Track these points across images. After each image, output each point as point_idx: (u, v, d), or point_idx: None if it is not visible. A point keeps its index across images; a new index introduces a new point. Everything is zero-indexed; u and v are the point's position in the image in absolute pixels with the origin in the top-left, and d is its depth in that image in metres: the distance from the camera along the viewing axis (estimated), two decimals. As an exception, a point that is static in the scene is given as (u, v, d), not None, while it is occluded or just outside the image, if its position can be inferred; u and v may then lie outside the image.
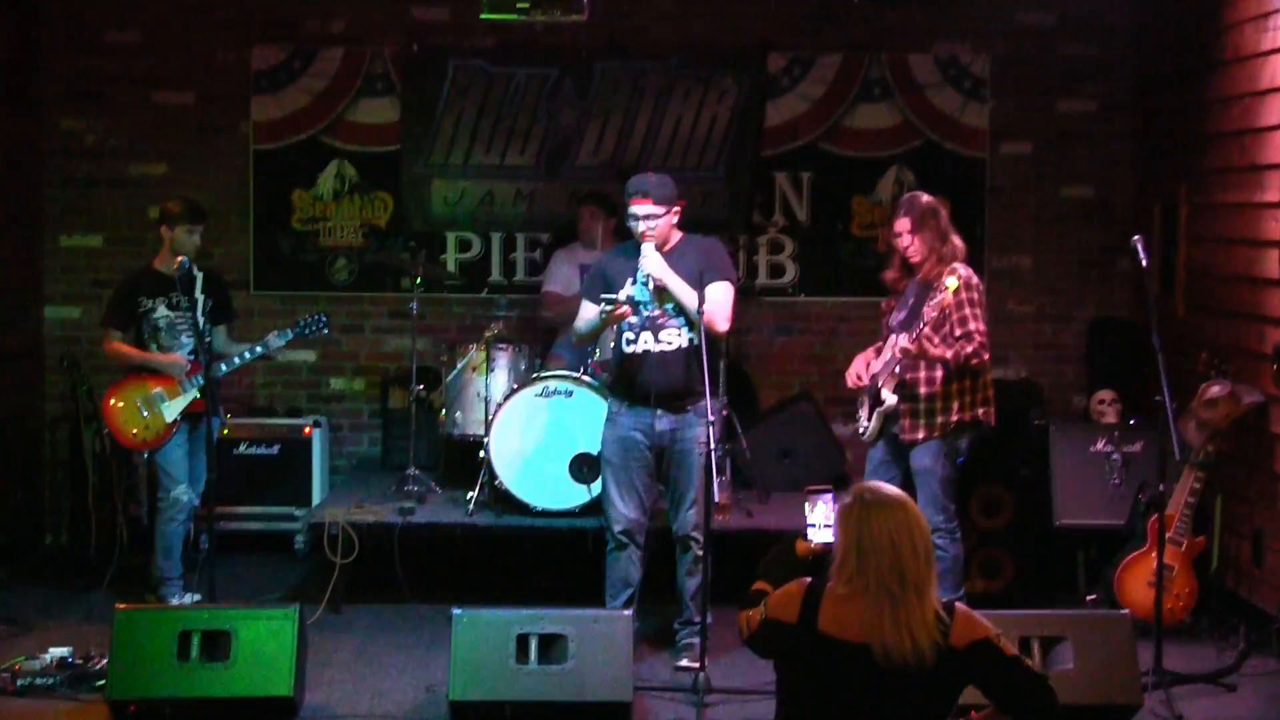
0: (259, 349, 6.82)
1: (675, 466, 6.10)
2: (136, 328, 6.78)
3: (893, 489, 3.80)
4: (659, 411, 6.04)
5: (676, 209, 6.07)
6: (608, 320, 6.03)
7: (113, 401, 6.76)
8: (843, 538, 3.71)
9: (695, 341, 6.02)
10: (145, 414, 6.70)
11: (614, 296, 5.97)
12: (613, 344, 6.29)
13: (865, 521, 3.66)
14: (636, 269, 6.04)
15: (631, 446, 6.09)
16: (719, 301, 6.01)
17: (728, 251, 6.53)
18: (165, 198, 8.35)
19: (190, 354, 6.71)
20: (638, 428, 6.08)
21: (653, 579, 6.32)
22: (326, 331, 6.97)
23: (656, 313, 6.04)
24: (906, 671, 3.59)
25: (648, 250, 5.97)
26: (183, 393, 6.70)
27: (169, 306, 6.72)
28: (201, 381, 6.59)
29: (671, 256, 6.03)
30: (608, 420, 6.22)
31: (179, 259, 6.53)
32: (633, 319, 6.06)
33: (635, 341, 6.07)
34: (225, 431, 7.56)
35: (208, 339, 6.72)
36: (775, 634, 3.76)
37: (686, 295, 5.95)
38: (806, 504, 4.22)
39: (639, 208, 6.00)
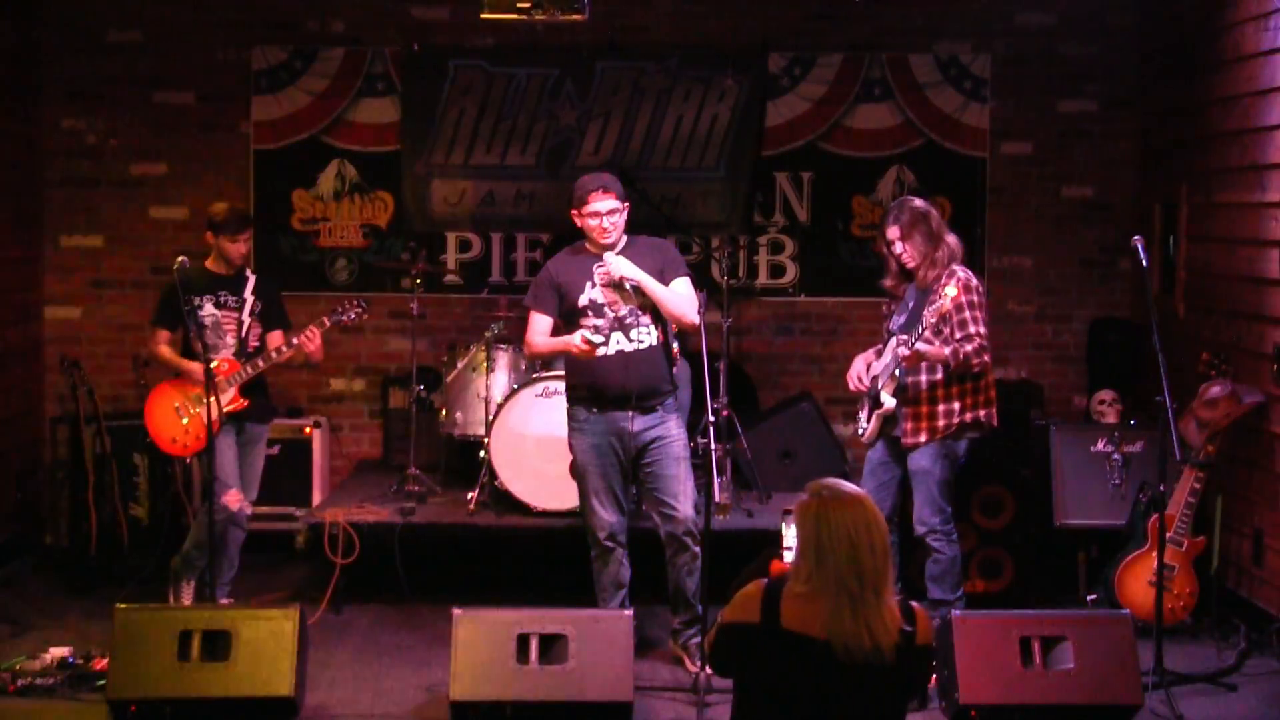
0: (294, 341, 6.57)
1: (657, 466, 6.07)
2: (183, 327, 6.63)
3: (850, 486, 3.79)
4: (631, 413, 6.02)
5: (628, 205, 6.08)
6: (578, 353, 5.95)
7: (152, 409, 6.64)
8: (801, 536, 3.70)
9: (664, 339, 6.04)
10: (185, 419, 6.58)
11: (595, 339, 5.90)
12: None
13: (823, 519, 3.66)
14: (593, 270, 6.04)
15: (606, 453, 6.06)
16: (687, 296, 6.04)
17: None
18: (165, 197, 8.44)
19: (235, 355, 6.60)
20: (611, 433, 6.05)
21: (650, 578, 6.32)
22: (365, 312, 6.76)
23: (624, 311, 6.03)
24: (867, 667, 3.60)
25: (612, 256, 5.97)
26: (222, 393, 6.52)
27: (216, 305, 6.63)
28: (241, 379, 6.53)
29: (628, 255, 6.03)
30: (575, 430, 6.14)
31: (179, 259, 6.49)
32: (598, 321, 6.03)
33: (605, 343, 6.02)
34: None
35: (254, 344, 6.62)
36: (738, 636, 3.73)
37: (659, 290, 5.97)
38: (783, 524, 4.19)
39: (603, 203, 5.96)
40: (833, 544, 3.62)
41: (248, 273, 6.73)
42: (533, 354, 6.32)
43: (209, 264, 6.71)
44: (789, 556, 4.17)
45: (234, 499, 6.57)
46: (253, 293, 6.68)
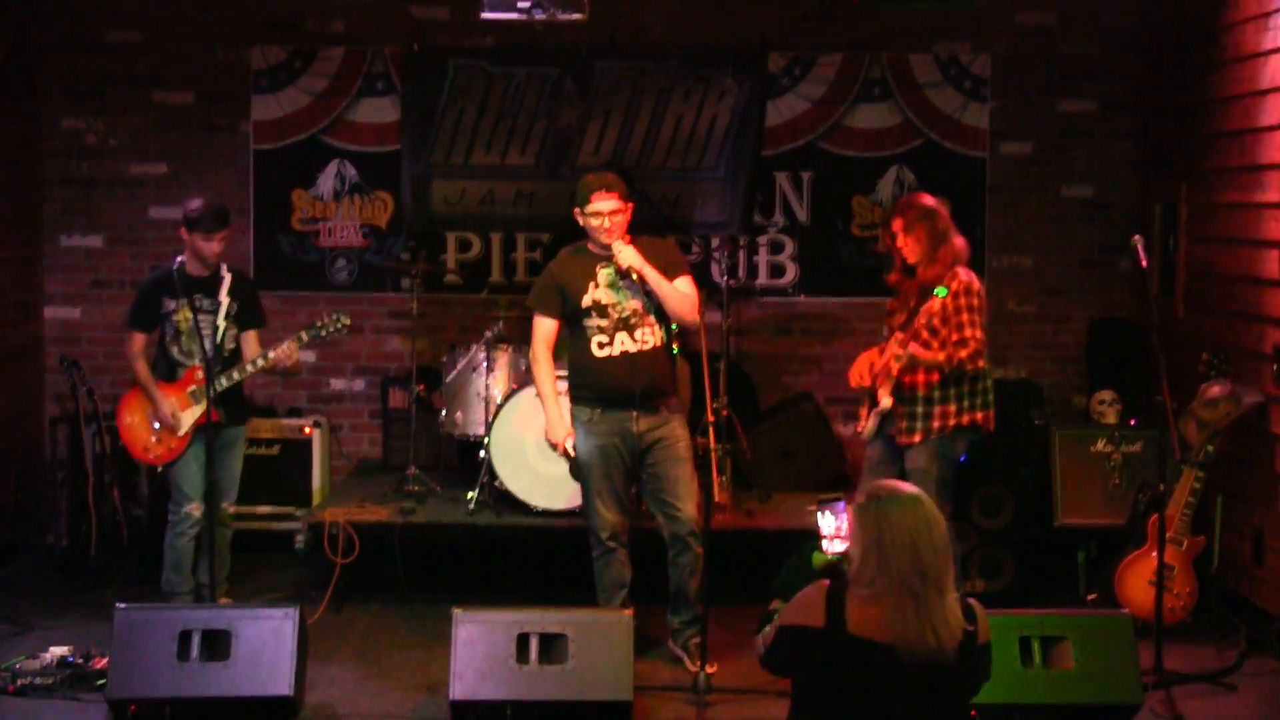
0: (271, 355, 6.51)
1: (660, 466, 6.06)
2: (160, 329, 6.61)
3: (907, 485, 3.79)
4: (636, 413, 6.01)
5: (631, 206, 6.07)
6: (551, 444, 6.14)
7: (124, 416, 6.60)
8: (861, 538, 3.67)
9: (667, 339, 6.04)
10: (157, 427, 6.55)
11: (570, 455, 6.10)
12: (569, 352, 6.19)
13: (883, 520, 3.64)
14: (596, 270, 6.04)
15: (610, 453, 6.05)
16: (689, 295, 6.04)
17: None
18: (165, 197, 8.43)
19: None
20: (615, 433, 6.04)
21: (650, 578, 6.31)
22: (345, 327, 6.67)
23: (627, 312, 6.03)
24: (931, 668, 3.58)
25: (620, 246, 5.96)
26: (194, 404, 6.51)
27: (192, 309, 6.52)
28: (213, 392, 6.41)
29: None
30: (579, 429, 6.13)
31: (178, 259, 6.45)
32: (602, 322, 6.03)
33: (609, 344, 6.02)
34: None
35: (230, 345, 6.55)
36: (799, 641, 3.69)
37: (663, 285, 5.96)
38: (818, 515, 4.16)
39: (605, 203, 5.95)
40: (895, 545, 3.60)
41: (223, 271, 6.57)
42: (534, 366, 6.25)
43: (185, 265, 6.57)
44: (826, 545, 4.13)
45: (196, 509, 6.55)
46: (228, 293, 6.55)
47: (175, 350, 6.59)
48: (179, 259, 6.46)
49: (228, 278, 6.58)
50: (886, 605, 3.59)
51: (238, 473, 6.75)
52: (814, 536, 4.17)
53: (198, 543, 6.59)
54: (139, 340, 6.62)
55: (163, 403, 6.52)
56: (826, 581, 3.74)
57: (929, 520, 3.65)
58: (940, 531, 3.66)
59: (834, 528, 4.09)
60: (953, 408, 6.10)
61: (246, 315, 6.68)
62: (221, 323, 6.53)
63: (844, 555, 3.95)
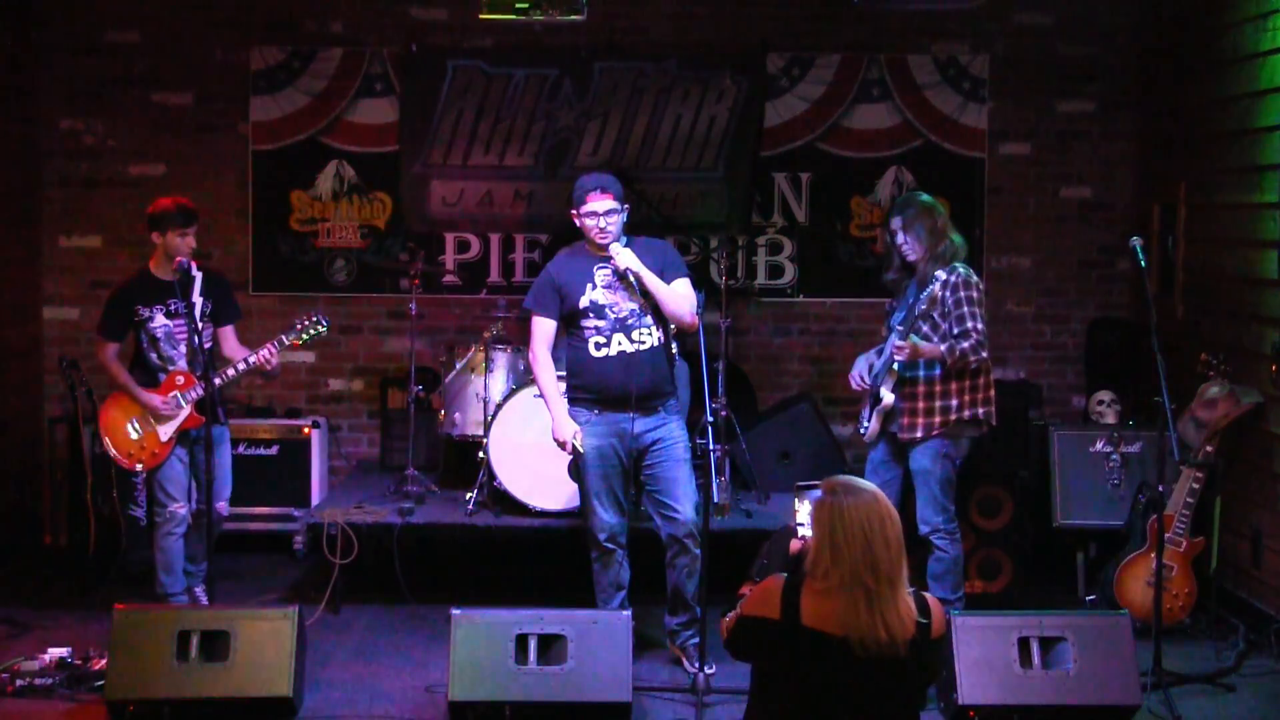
0: (252, 360, 6.51)
1: (659, 468, 6.06)
2: (135, 336, 6.60)
3: (864, 482, 3.83)
4: (633, 415, 6.00)
5: (628, 207, 6.07)
6: (555, 439, 6.06)
7: (106, 422, 6.59)
8: (817, 533, 3.75)
9: (665, 340, 6.04)
10: (138, 434, 6.53)
11: (579, 448, 6.01)
12: (567, 352, 6.18)
13: (838, 516, 3.71)
14: (593, 271, 6.03)
15: (608, 455, 6.05)
16: (687, 296, 6.03)
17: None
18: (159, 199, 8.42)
19: (188, 363, 6.53)
20: (612, 435, 6.04)
21: (649, 579, 6.31)
22: (325, 330, 6.69)
23: (625, 313, 6.02)
24: (883, 661, 3.64)
25: (618, 248, 5.96)
26: (177, 409, 6.54)
27: (167, 315, 6.53)
28: (196, 396, 6.44)
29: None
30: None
31: (178, 260, 6.42)
32: (600, 323, 6.03)
33: (606, 345, 6.02)
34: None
35: (207, 344, 6.51)
36: (757, 631, 3.78)
37: (660, 286, 5.96)
38: (796, 500, 4.22)
39: (601, 203, 5.95)
40: (848, 539, 3.67)
41: (194, 270, 6.48)
42: (534, 366, 6.23)
43: (154, 269, 6.56)
44: (801, 531, 4.21)
45: (182, 508, 6.57)
46: (201, 293, 6.51)
47: (154, 356, 6.57)
48: (180, 258, 6.42)
49: (199, 276, 6.52)
50: (840, 599, 3.66)
51: (229, 469, 6.75)
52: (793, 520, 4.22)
53: (186, 541, 6.62)
54: (111, 348, 6.61)
55: (153, 399, 6.50)
56: (783, 575, 3.83)
57: (883, 516, 3.71)
58: (894, 527, 3.72)
59: (810, 514, 4.13)
60: (954, 402, 6.10)
61: (221, 311, 6.66)
62: (198, 324, 6.47)
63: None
